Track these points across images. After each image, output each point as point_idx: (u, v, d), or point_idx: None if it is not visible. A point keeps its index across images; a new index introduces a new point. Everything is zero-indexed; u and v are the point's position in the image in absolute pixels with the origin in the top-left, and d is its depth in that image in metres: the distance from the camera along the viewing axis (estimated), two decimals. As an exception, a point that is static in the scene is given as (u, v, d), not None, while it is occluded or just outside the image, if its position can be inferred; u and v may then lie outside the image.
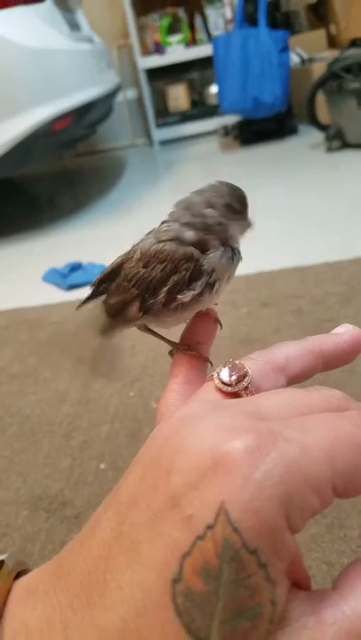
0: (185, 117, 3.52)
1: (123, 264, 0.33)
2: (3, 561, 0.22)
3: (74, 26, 2.37)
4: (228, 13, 3.26)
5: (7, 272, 1.86)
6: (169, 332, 0.35)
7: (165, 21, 3.29)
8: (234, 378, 0.24)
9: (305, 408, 0.21)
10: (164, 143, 3.52)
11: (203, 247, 0.32)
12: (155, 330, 0.35)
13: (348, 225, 1.64)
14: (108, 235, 2.01)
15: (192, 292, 0.31)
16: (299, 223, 1.75)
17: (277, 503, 0.17)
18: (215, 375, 0.25)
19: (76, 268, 1.63)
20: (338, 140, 2.43)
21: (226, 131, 3.20)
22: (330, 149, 2.45)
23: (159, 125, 3.52)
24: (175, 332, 0.34)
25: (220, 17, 3.29)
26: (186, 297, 0.31)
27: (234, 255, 0.33)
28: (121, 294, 0.33)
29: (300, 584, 0.19)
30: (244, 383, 0.24)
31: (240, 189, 0.35)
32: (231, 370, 0.25)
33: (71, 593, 0.19)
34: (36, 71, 1.90)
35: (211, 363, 0.31)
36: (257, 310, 1.27)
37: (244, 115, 2.89)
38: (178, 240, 0.32)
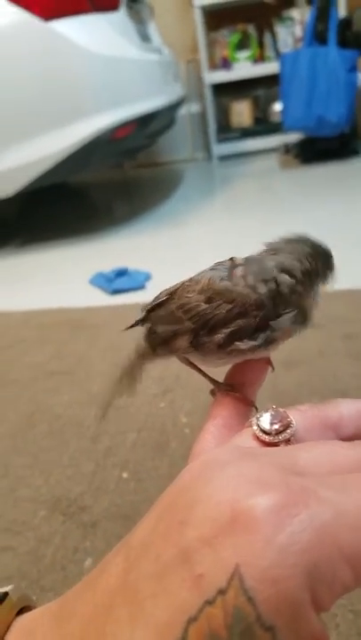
0: (246, 133, 3.51)
1: (177, 291, 0.32)
2: (7, 593, 0.21)
3: (145, 37, 2.41)
4: (298, 31, 3.24)
5: (57, 273, 1.89)
6: (212, 369, 0.32)
7: (235, 37, 3.31)
8: (275, 427, 0.22)
9: (349, 465, 0.19)
10: (224, 158, 3.51)
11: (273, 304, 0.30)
12: (197, 364, 0.33)
13: None
14: (157, 244, 2.01)
15: (252, 343, 0.29)
16: (357, 245, 1.68)
17: (302, 573, 0.15)
18: (254, 421, 0.23)
19: (121, 273, 1.63)
20: None
21: (287, 148, 3.16)
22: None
23: (220, 140, 3.53)
24: (219, 369, 0.32)
25: (289, 35, 3.27)
26: (245, 345, 0.29)
27: (305, 320, 0.31)
28: (173, 324, 0.31)
29: None
30: (286, 435, 0.22)
31: (325, 249, 0.31)
32: (273, 417, 0.23)
33: None
34: (103, 78, 1.94)
35: (256, 408, 0.29)
36: (304, 332, 1.21)
37: (307, 133, 2.85)
38: (251, 288, 0.29)
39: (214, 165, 3.48)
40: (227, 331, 0.29)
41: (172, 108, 2.47)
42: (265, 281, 0.29)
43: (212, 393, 0.30)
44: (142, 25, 2.43)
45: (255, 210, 2.39)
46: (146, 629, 0.16)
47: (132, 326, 0.35)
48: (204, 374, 0.33)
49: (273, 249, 0.31)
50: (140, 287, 1.57)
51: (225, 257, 0.33)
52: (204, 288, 0.30)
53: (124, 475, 0.86)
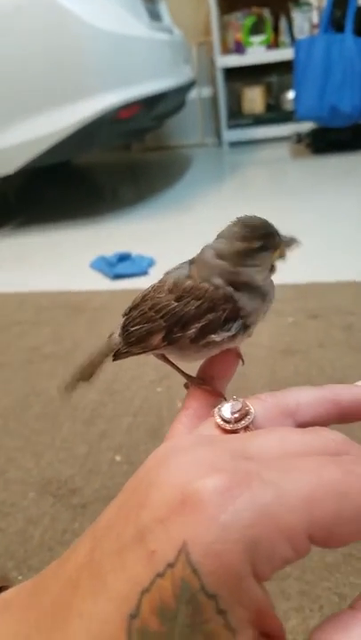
0: (258, 120, 3.45)
1: (148, 293, 0.34)
2: None
3: (154, 15, 2.36)
4: (315, 18, 3.16)
5: (57, 255, 1.87)
6: (186, 364, 0.34)
7: (249, 21, 3.24)
8: (235, 416, 0.24)
9: (298, 450, 0.21)
10: (234, 145, 3.47)
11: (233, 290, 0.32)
12: (172, 360, 0.35)
13: None
14: (163, 229, 1.99)
15: (226, 334, 0.31)
16: (361, 237, 1.66)
17: (242, 548, 0.17)
18: (216, 411, 0.25)
19: (124, 258, 1.61)
20: None
21: (299, 138, 3.11)
22: None
23: (231, 126, 3.47)
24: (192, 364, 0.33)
25: (305, 20, 3.20)
26: (218, 337, 0.31)
27: (264, 295, 0.32)
28: (146, 323, 0.33)
29: (271, 635, 0.18)
30: (244, 422, 0.24)
31: (254, 223, 0.32)
32: (233, 407, 0.24)
33: (41, 613, 0.19)
34: (109, 56, 1.90)
35: (225, 399, 0.30)
36: (303, 321, 1.20)
37: (320, 122, 2.80)
38: (210, 282, 0.32)
39: (224, 152, 3.43)
40: (198, 325, 0.31)
41: (181, 91, 2.43)
42: (215, 273, 0.32)
43: (186, 386, 0.32)
44: (152, 3, 2.38)
45: (264, 198, 2.36)
46: (107, 601, 0.17)
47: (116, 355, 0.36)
48: (178, 369, 0.35)
49: (217, 236, 0.33)
50: (143, 273, 1.55)
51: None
52: (172, 288, 0.32)
53: (117, 458, 0.85)
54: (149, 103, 2.09)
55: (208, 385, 0.31)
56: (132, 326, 0.34)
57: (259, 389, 1.02)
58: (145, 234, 1.97)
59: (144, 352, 0.34)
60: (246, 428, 0.23)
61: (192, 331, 0.31)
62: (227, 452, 0.20)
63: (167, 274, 0.34)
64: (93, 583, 0.18)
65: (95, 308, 1.35)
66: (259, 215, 0.32)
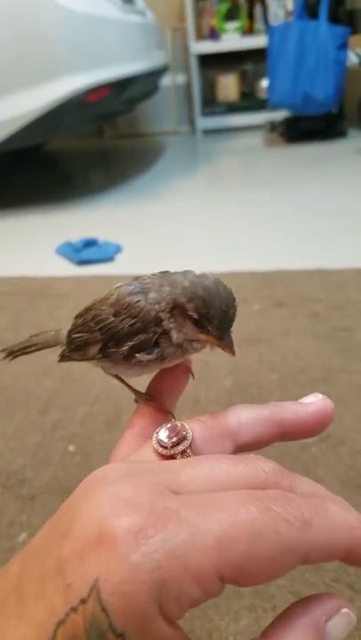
0: (232, 108, 3.42)
1: (94, 303, 0.33)
2: None
3: (127, -2, 2.30)
4: (290, 4, 3.14)
5: (24, 241, 1.82)
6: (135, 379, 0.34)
7: (224, 7, 3.20)
8: (173, 440, 0.24)
9: (226, 481, 0.21)
10: (208, 133, 3.43)
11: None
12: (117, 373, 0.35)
13: (384, 233, 1.53)
14: (132, 217, 1.95)
15: (148, 357, 0.30)
16: (331, 226, 1.65)
17: (150, 589, 0.17)
18: (154, 435, 0.25)
19: (90, 243, 1.57)
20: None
21: (273, 126, 3.10)
22: (377, 155, 2.32)
23: (205, 114, 3.43)
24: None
25: (280, 7, 3.17)
26: (142, 357, 0.31)
27: (183, 350, 0.31)
28: (86, 333, 0.33)
29: None
30: (181, 447, 0.24)
31: (209, 294, 0.29)
32: (170, 431, 0.24)
33: None
34: (78, 37, 1.84)
35: (173, 417, 0.30)
36: (269, 309, 1.18)
37: (293, 110, 2.78)
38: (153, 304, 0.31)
39: (198, 139, 3.39)
40: (130, 344, 0.30)
41: (153, 76, 2.38)
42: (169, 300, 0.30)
43: (136, 401, 0.31)
44: (125, -15, 2.32)
45: (237, 187, 2.33)
46: (27, 626, 0.18)
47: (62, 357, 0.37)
48: (125, 383, 0.34)
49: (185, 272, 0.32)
50: (109, 259, 1.51)
51: (202, 233, 0.31)
52: (114, 302, 0.32)
53: (71, 448, 0.82)
54: (119, 87, 2.03)
55: (156, 401, 0.30)
56: (74, 333, 0.34)
57: (221, 378, 1.00)
58: (114, 220, 1.93)
59: (84, 360, 0.34)
60: (183, 452, 0.24)
61: (124, 348, 0.31)
62: (150, 487, 0.20)
63: (117, 287, 0.33)
64: (17, 606, 0.18)
65: (58, 295, 1.31)
66: (225, 283, 0.30)
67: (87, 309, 0.34)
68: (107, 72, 1.93)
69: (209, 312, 0.29)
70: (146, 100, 2.64)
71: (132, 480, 0.20)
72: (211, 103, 3.48)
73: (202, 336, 0.29)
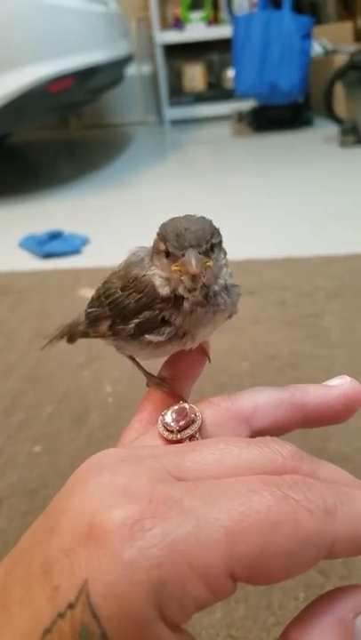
0: (199, 99, 3.40)
1: (113, 272, 0.31)
2: None
3: (88, -14, 2.25)
4: (254, -6, 3.12)
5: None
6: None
7: (188, -4, 3.16)
8: (180, 423, 0.22)
9: (237, 466, 0.18)
10: (176, 123, 3.40)
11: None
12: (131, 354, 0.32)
13: (350, 220, 1.54)
14: (100, 208, 1.92)
15: (159, 338, 0.27)
16: (299, 214, 1.65)
17: (147, 590, 0.15)
18: (160, 419, 0.22)
19: (55, 236, 1.53)
20: (353, 135, 2.32)
21: (240, 116, 3.09)
22: (344, 144, 2.33)
23: (172, 104, 3.40)
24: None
25: (245, -3, 3.15)
26: (154, 338, 0.27)
27: (186, 311, 0.27)
28: (98, 307, 0.31)
29: None
30: (189, 431, 0.21)
31: (174, 224, 0.27)
32: (177, 414, 0.22)
33: None
34: (39, 26, 1.79)
35: (186, 402, 0.26)
36: (240, 298, 1.17)
37: (259, 100, 2.78)
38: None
39: (166, 130, 3.36)
40: (136, 321, 0.28)
41: (117, 65, 2.34)
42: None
43: (148, 385, 0.29)
44: (86, -27, 2.26)
45: (205, 177, 2.32)
46: (11, 635, 0.16)
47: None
48: (138, 365, 0.31)
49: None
50: (75, 251, 1.48)
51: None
52: (122, 274, 0.29)
53: (36, 448, 0.79)
54: (83, 76, 1.99)
55: (168, 386, 0.27)
56: (89, 307, 0.32)
57: (191, 369, 0.99)
58: (81, 212, 1.89)
59: (99, 337, 0.32)
60: (192, 437, 0.21)
61: (131, 326, 0.28)
62: (151, 473, 0.17)
63: (131, 255, 0.30)
64: (3, 612, 0.16)
65: (21, 289, 1.27)
66: (203, 215, 0.27)
67: (104, 282, 0.31)
68: (69, 61, 1.89)
69: (165, 233, 0.26)
70: (110, 89, 2.59)
71: (129, 466, 0.18)
72: (178, 93, 3.45)
73: (173, 267, 0.26)
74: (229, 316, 0.30)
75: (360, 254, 1.26)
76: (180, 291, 0.26)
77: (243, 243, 1.43)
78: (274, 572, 0.16)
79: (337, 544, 0.17)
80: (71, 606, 0.15)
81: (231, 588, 0.16)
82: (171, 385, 0.27)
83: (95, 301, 0.31)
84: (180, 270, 0.26)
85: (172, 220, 0.27)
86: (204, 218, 0.27)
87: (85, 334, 0.33)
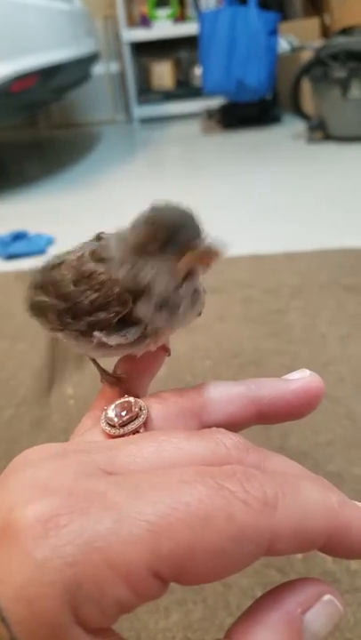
0: (168, 96, 3.39)
1: (65, 260, 0.27)
2: None
3: (51, -16, 2.21)
4: (220, -9, 3.12)
5: None
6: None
7: (154, -7, 3.15)
8: (124, 419, 0.20)
9: (177, 459, 0.17)
10: (145, 121, 3.38)
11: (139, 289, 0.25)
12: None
13: (316, 217, 1.55)
14: (66, 207, 1.90)
15: (120, 339, 0.25)
16: (266, 212, 1.66)
17: (60, 592, 0.13)
18: (102, 414, 0.21)
19: (20, 237, 1.51)
20: (320, 131, 2.34)
21: (209, 114, 3.09)
22: (311, 140, 2.35)
23: (141, 102, 3.39)
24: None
25: (211, -6, 3.15)
26: (110, 340, 0.25)
27: (173, 307, 0.25)
28: (43, 296, 0.28)
29: None
30: (133, 425, 0.20)
31: (164, 214, 0.25)
32: (121, 408, 0.21)
33: None
34: (-1, 23, 1.76)
35: (132, 397, 0.25)
36: (206, 297, 1.17)
37: (227, 97, 2.78)
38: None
39: (135, 128, 3.34)
40: (88, 319, 0.26)
41: (82, 63, 2.31)
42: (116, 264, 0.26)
43: (102, 382, 0.27)
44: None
45: (174, 174, 2.31)
46: None
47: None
48: (93, 361, 0.29)
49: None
50: (40, 252, 1.46)
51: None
52: (74, 265, 0.27)
53: (-6, 454, 0.77)
54: (46, 75, 1.96)
55: (124, 383, 0.26)
56: (33, 295, 0.29)
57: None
58: (48, 212, 1.87)
59: (49, 331, 0.29)
60: (136, 432, 0.20)
61: (82, 323, 0.26)
62: (78, 468, 0.16)
63: (83, 245, 0.28)
64: None
65: (-17, 293, 1.24)
66: (177, 203, 0.25)
67: (51, 266, 0.28)
68: (32, 60, 1.86)
69: (172, 226, 0.24)
70: (76, 88, 2.56)
71: (56, 461, 0.17)
72: (146, 91, 3.43)
73: (182, 260, 0.24)
74: (198, 314, 0.28)
75: (323, 250, 1.27)
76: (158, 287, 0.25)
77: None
78: (206, 571, 0.15)
79: (278, 540, 0.15)
80: None
81: (158, 588, 0.15)
82: (126, 383, 0.26)
83: (38, 290, 0.28)
84: (192, 261, 0.24)
85: (161, 211, 0.25)
86: (179, 206, 0.26)
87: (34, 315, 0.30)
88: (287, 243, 1.36)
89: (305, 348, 0.94)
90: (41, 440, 0.78)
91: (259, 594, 0.57)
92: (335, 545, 0.16)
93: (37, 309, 0.29)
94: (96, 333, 0.25)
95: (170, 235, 0.24)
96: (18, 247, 1.44)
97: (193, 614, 0.55)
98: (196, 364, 0.92)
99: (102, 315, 0.25)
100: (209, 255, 0.24)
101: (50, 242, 1.51)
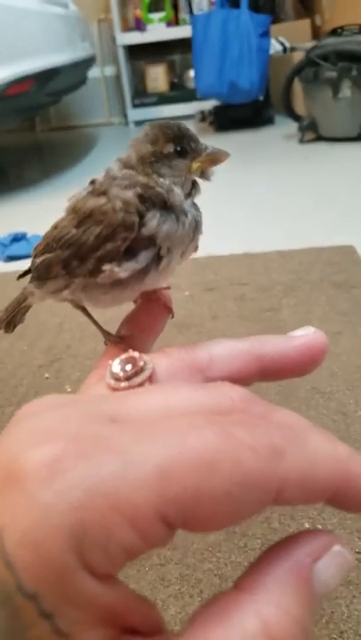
0: (163, 99, 3.41)
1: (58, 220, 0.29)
2: None
3: (46, -11, 2.24)
4: (213, -6, 3.15)
5: None
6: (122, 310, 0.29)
7: (148, -3, 3.17)
8: (129, 373, 0.20)
9: (182, 409, 0.17)
10: (140, 124, 3.40)
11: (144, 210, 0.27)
12: (89, 310, 0.31)
13: (307, 216, 1.58)
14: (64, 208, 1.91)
15: (133, 266, 0.26)
16: (259, 211, 1.68)
17: (66, 536, 0.13)
18: (108, 368, 0.21)
19: (19, 238, 1.53)
20: (311, 131, 2.37)
21: (203, 116, 3.11)
22: (303, 141, 2.38)
23: (136, 105, 3.41)
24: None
25: (204, -3, 3.18)
26: (123, 271, 0.26)
27: (184, 218, 0.27)
28: (48, 253, 0.29)
29: (140, 631, 0.15)
30: (138, 379, 0.20)
31: (169, 124, 0.27)
32: (125, 362, 0.21)
33: None
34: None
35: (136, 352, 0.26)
36: (199, 295, 1.19)
37: (220, 99, 2.81)
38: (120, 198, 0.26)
39: (131, 130, 3.37)
40: (96, 255, 0.26)
41: (78, 67, 2.33)
42: (126, 186, 0.27)
43: (106, 344, 0.28)
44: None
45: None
46: None
47: (23, 274, 0.34)
48: (96, 323, 0.30)
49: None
50: (38, 254, 1.48)
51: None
52: (72, 211, 0.28)
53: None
54: (42, 79, 1.98)
55: (128, 343, 0.26)
56: (37, 258, 0.30)
57: (151, 365, 1.00)
58: (46, 213, 1.82)
59: (52, 294, 0.30)
60: (140, 385, 0.20)
61: (90, 262, 0.26)
62: (83, 415, 0.16)
63: (71, 197, 0.29)
64: None
65: (-17, 295, 1.27)
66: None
67: (52, 228, 0.30)
68: (28, 64, 1.88)
69: (180, 131, 0.27)
70: (73, 91, 2.58)
71: (61, 410, 0.17)
72: (141, 94, 3.46)
73: (195, 164, 0.27)
74: (196, 249, 0.30)
75: (315, 248, 1.30)
76: (174, 195, 0.27)
77: (203, 240, 1.45)
78: (212, 516, 0.15)
79: (285, 488, 0.15)
80: None
81: (165, 534, 0.14)
82: (130, 343, 0.26)
83: (42, 249, 0.30)
84: (203, 165, 0.27)
85: (164, 123, 0.28)
86: (174, 122, 0.28)
87: (34, 297, 0.32)
88: (280, 241, 1.39)
89: (297, 343, 0.96)
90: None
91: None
92: (342, 496, 0.16)
93: (43, 271, 0.29)
94: (106, 266, 0.26)
95: (177, 141, 0.27)
96: (16, 249, 1.47)
97: (190, 607, 0.56)
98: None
99: (109, 245, 0.26)
100: (218, 156, 0.27)
101: (47, 244, 1.54)
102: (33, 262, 0.31)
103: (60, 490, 0.14)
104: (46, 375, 0.96)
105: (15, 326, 0.36)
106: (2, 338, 1.10)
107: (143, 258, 0.26)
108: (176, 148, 0.27)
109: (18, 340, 1.06)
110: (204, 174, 0.28)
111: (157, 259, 0.27)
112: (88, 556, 0.14)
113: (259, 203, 1.76)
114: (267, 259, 1.29)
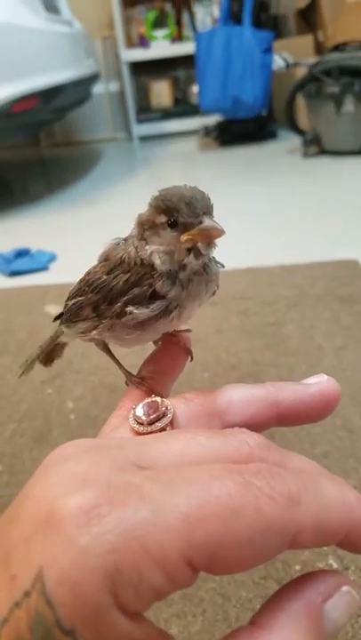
0: (167, 115, 3.45)
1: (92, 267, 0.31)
2: None
3: (51, 8, 2.28)
4: (216, 11, 3.20)
5: None
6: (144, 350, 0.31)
7: (151, 15, 3.22)
8: (152, 417, 0.22)
9: (202, 455, 0.18)
10: (144, 139, 3.44)
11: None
12: (112, 351, 0.33)
13: (311, 230, 1.58)
14: (68, 224, 1.93)
15: (145, 310, 0.28)
16: (263, 225, 1.68)
17: (102, 576, 0.14)
18: (131, 412, 0.23)
19: (23, 254, 1.54)
20: (315, 145, 2.38)
21: (207, 131, 3.13)
22: (306, 155, 2.39)
23: (140, 121, 3.44)
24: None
25: (207, 14, 3.23)
26: (140, 313, 0.28)
27: (182, 284, 0.28)
28: (80, 297, 0.31)
29: None
30: (160, 424, 0.22)
31: (173, 192, 0.27)
32: (148, 407, 0.22)
33: None
34: (0, 46, 1.80)
35: (159, 397, 0.27)
36: (203, 309, 1.17)
37: (224, 114, 2.83)
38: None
39: (135, 146, 3.39)
40: (124, 299, 0.28)
41: (83, 83, 2.36)
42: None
43: (127, 384, 0.29)
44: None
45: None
46: None
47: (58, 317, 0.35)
48: (118, 364, 0.32)
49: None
50: (43, 268, 1.48)
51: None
52: (103, 259, 0.30)
53: (-3, 468, 0.79)
54: (47, 96, 2.01)
55: (148, 384, 0.27)
56: (70, 300, 0.32)
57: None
58: (50, 229, 1.90)
59: (80, 334, 0.32)
60: (163, 430, 0.21)
61: (118, 304, 0.28)
62: (113, 462, 0.17)
63: (109, 244, 0.31)
64: None
65: (-14, 310, 1.26)
66: (200, 189, 0.28)
67: (85, 274, 0.32)
68: (33, 82, 1.91)
69: (172, 203, 0.27)
70: (77, 108, 2.61)
71: (92, 456, 0.18)
72: (145, 110, 3.49)
73: (183, 237, 0.27)
74: (213, 293, 0.31)
75: (319, 262, 1.29)
76: (187, 260, 0.27)
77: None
78: (235, 560, 0.16)
79: (301, 534, 0.16)
80: (27, 594, 0.15)
81: (190, 576, 0.16)
82: (150, 383, 0.27)
83: (75, 293, 0.32)
84: (193, 238, 0.27)
85: (171, 190, 0.28)
86: (196, 186, 0.28)
87: (64, 335, 0.34)
88: (284, 255, 1.38)
89: (302, 359, 0.95)
90: (43, 455, 0.79)
91: (258, 606, 0.58)
92: (353, 539, 0.18)
93: (75, 312, 0.31)
94: (129, 308, 0.28)
95: (169, 213, 0.27)
96: (20, 264, 1.47)
97: (193, 627, 0.55)
98: (195, 376, 0.94)
99: (137, 290, 0.28)
100: (209, 232, 0.27)
101: (52, 258, 1.54)
102: (65, 305, 0.33)
103: (97, 534, 0.15)
104: (49, 391, 0.96)
105: (53, 360, 0.39)
106: (2, 354, 1.10)
107: (157, 306, 0.28)
108: (169, 219, 0.27)
109: (19, 357, 1.06)
110: (196, 247, 0.28)
111: (168, 311, 0.28)
112: (121, 596, 0.15)
113: (262, 217, 1.76)
114: (270, 273, 1.29)
